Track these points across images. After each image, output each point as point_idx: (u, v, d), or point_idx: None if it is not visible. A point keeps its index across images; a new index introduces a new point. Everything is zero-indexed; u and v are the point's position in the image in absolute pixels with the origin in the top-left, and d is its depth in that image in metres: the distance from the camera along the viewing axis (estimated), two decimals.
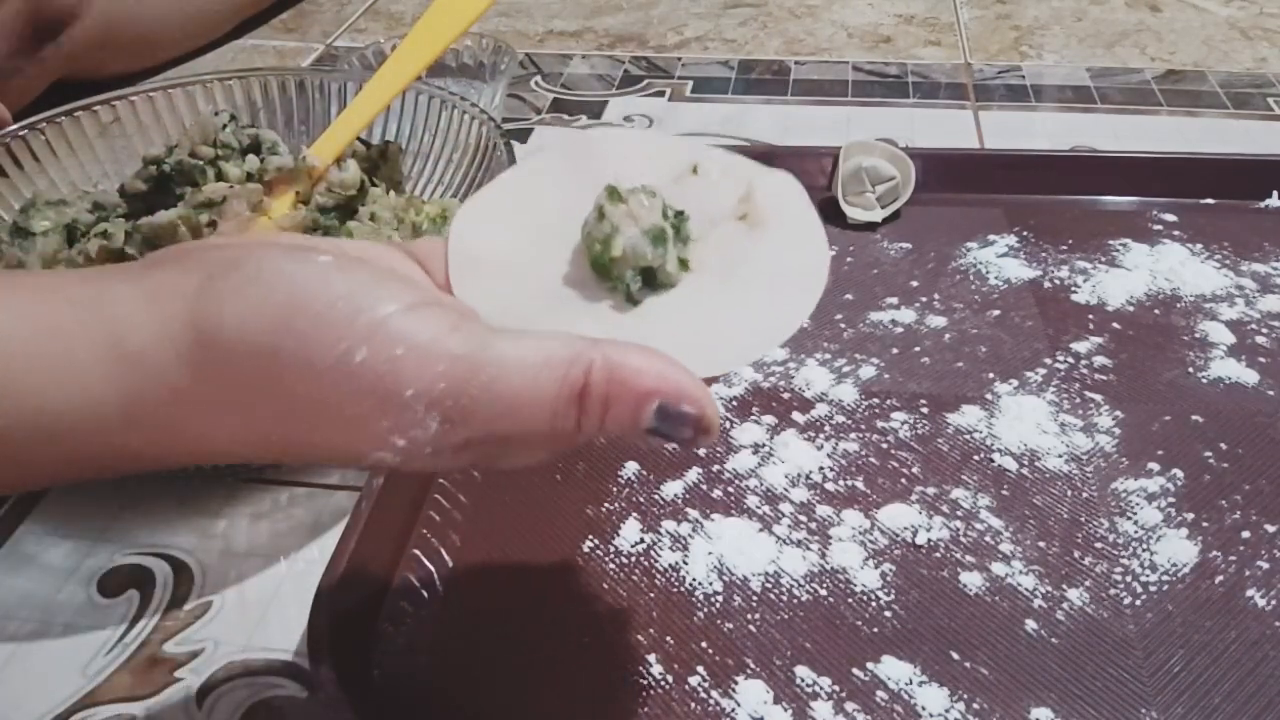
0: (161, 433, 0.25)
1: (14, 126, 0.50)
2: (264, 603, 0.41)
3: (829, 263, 0.30)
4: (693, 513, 0.42)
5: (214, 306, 0.24)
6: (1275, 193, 0.60)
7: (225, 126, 0.49)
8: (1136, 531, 0.41)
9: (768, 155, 0.64)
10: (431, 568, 0.40)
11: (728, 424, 0.46)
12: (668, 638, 0.37)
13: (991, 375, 0.48)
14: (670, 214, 0.29)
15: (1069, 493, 0.42)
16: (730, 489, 0.43)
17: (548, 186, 0.31)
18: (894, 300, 0.54)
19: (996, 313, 0.52)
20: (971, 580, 0.39)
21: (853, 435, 0.45)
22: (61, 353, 0.24)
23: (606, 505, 0.42)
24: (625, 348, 0.25)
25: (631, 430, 0.24)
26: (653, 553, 0.40)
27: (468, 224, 0.30)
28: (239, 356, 0.24)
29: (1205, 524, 0.41)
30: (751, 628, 0.37)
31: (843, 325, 0.52)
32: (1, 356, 0.24)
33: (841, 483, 0.43)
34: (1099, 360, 0.49)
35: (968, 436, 0.45)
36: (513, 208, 0.31)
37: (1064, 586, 0.38)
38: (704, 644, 0.37)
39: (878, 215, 0.59)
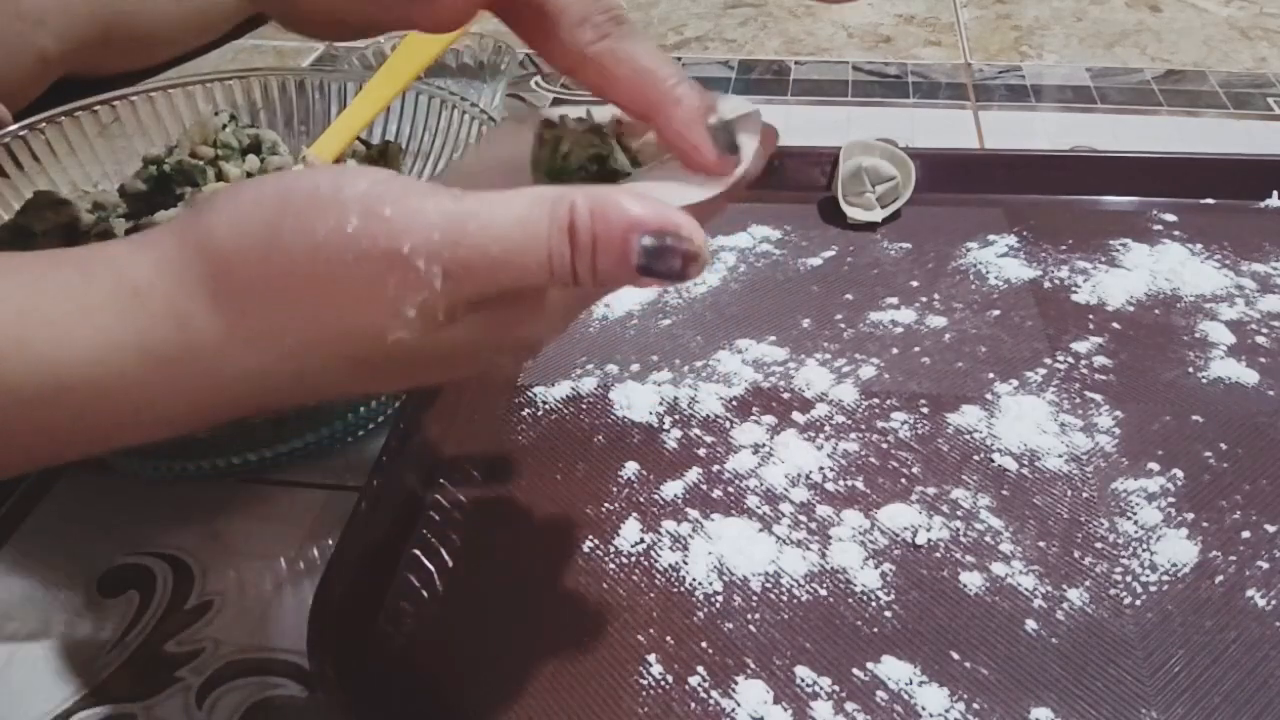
0: (183, 380, 0.25)
1: (14, 126, 0.50)
2: (264, 603, 0.41)
3: (760, 117, 0.31)
4: (693, 513, 0.42)
5: (205, 220, 0.25)
6: (1275, 193, 0.60)
7: (225, 126, 0.49)
8: (1136, 531, 0.41)
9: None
10: (431, 568, 0.40)
11: (728, 424, 0.46)
12: (668, 638, 0.37)
13: (991, 375, 0.48)
14: (604, 122, 0.31)
15: (1069, 493, 0.42)
16: (730, 489, 0.43)
17: (499, 147, 0.33)
18: (894, 300, 0.53)
19: (996, 313, 0.52)
20: (971, 580, 0.39)
21: (853, 435, 0.45)
22: (70, 300, 0.24)
23: (606, 505, 0.42)
24: (606, 189, 0.25)
25: (623, 267, 0.25)
26: (653, 553, 0.40)
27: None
28: (240, 257, 0.24)
29: (1205, 524, 0.41)
30: (751, 628, 0.37)
31: (843, 325, 0.52)
32: (10, 315, 0.24)
33: (841, 483, 0.43)
34: (1099, 360, 0.49)
35: (968, 436, 0.45)
36: (475, 169, 0.32)
37: (1064, 586, 0.38)
38: (704, 644, 0.37)
39: (878, 215, 0.59)
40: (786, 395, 0.48)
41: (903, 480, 0.43)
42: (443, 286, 0.24)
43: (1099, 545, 0.40)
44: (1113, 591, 0.38)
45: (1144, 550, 0.40)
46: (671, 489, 0.43)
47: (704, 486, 0.43)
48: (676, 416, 0.47)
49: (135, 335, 0.24)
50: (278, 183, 0.25)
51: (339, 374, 0.26)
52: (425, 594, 0.39)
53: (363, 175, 0.25)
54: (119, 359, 0.24)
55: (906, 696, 0.35)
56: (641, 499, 0.43)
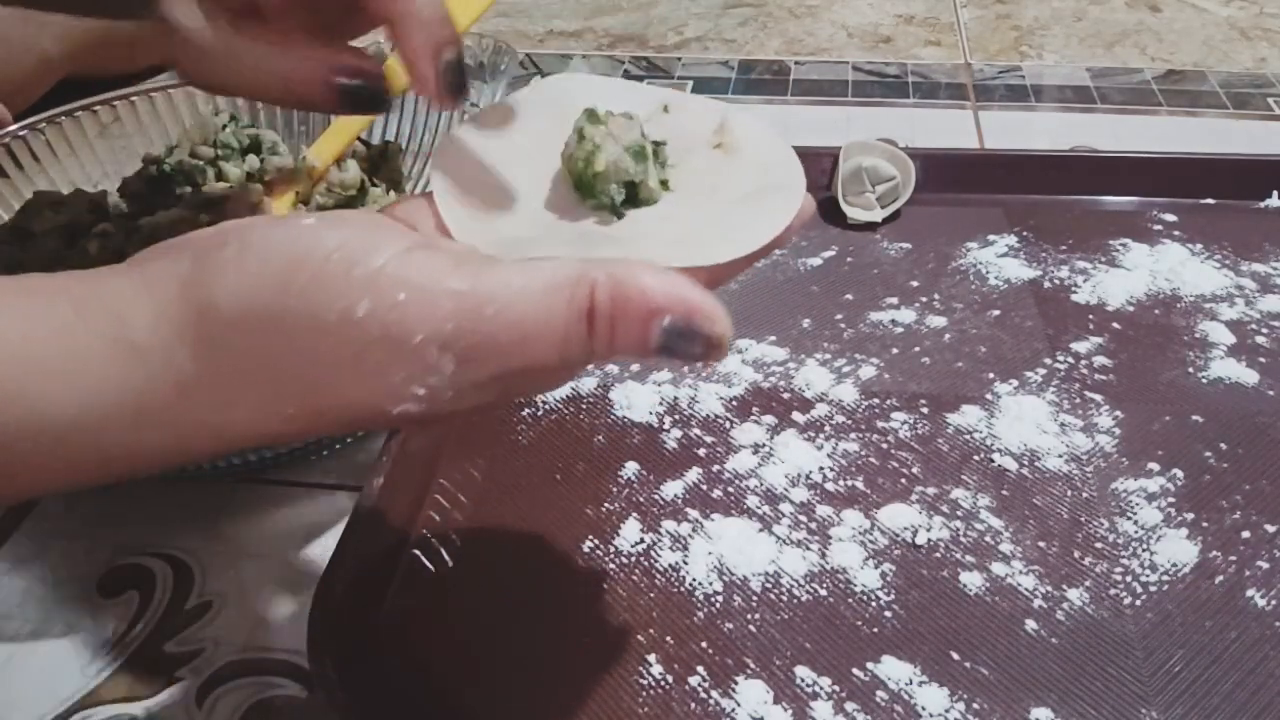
0: (173, 427, 0.25)
1: (14, 126, 0.50)
2: (264, 603, 0.41)
3: (804, 178, 0.30)
4: (693, 513, 0.42)
5: (209, 281, 0.24)
6: (1275, 193, 0.60)
7: (225, 126, 0.49)
8: (1136, 531, 0.41)
9: None
10: (431, 567, 0.40)
11: (728, 424, 0.46)
12: (668, 638, 0.37)
13: (991, 375, 0.48)
14: (647, 137, 0.30)
15: (1069, 493, 0.42)
16: (730, 489, 0.43)
17: (522, 122, 0.32)
18: (894, 300, 0.53)
19: (996, 313, 0.52)
20: (971, 580, 0.39)
21: (853, 435, 0.45)
22: (66, 350, 0.24)
23: (606, 505, 0.42)
24: (629, 265, 0.24)
25: (641, 348, 0.24)
26: (653, 553, 0.40)
27: (450, 161, 0.30)
28: (243, 328, 0.24)
29: (1205, 524, 0.41)
30: (751, 628, 0.37)
31: (843, 325, 0.52)
32: (3, 360, 0.24)
33: (841, 483, 0.43)
34: (1099, 360, 0.49)
35: (968, 436, 0.45)
36: (491, 145, 0.31)
37: (1064, 586, 0.38)
38: (704, 644, 0.37)
39: (878, 215, 0.59)
40: (786, 395, 0.48)
41: (903, 480, 0.43)
42: (453, 372, 0.23)
43: (1099, 545, 0.40)
44: (1113, 591, 0.38)
45: (1144, 550, 0.40)
46: (671, 489, 0.43)
47: (704, 486, 0.43)
48: (676, 416, 0.47)
49: (133, 393, 0.24)
50: (287, 243, 0.24)
51: (336, 429, 0.26)
52: (425, 593, 0.39)
53: (379, 244, 0.24)
54: (116, 413, 0.24)
55: (906, 696, 0.35)
56: (641, 499, 0.43)
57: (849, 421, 0.46)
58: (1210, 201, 0.60)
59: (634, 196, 0.30)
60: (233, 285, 0.24)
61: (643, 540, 0.41)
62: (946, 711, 0.34)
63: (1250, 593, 0.38)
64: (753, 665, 0.36)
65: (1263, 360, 0.49)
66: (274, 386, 0.24)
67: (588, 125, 0.30)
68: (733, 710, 0.35)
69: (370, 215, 0.28)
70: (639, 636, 0.37)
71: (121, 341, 0.24)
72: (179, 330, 0.24)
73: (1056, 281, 0.55)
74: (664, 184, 0.30)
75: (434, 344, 0.23)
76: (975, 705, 0.35)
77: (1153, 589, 0.38)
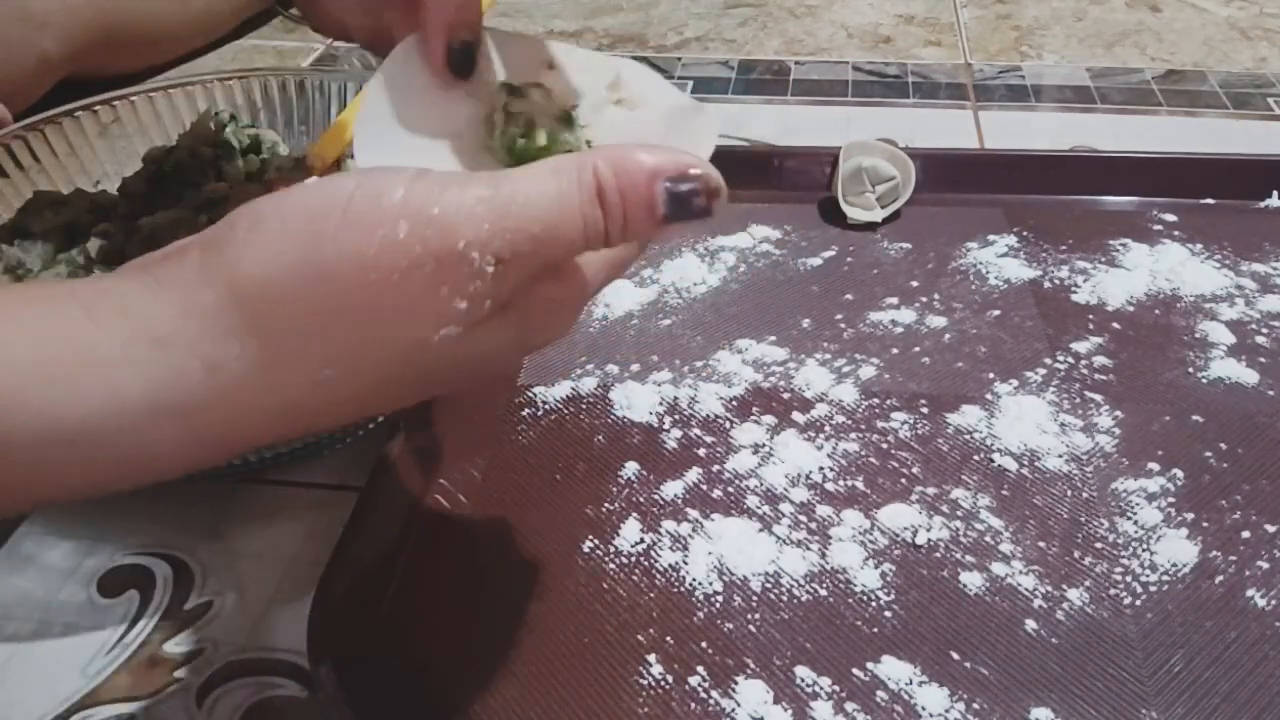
0: (201, 429, 0.24)
1: (14, 126, 0.50)
2: (264, 603, 0.41)
3: (709, 111, 0.31)
4: (693, 513, 0.42)
5: (232, 261, 0.24)
6: (1275, 193, 0.60)
7: (225, 126, 0.49)
8: (1136, 531, 0.41)
9: (767, 155, 0.65)
10: (431, 568, 0.40)
11: (728, 424, 0.46)
12: (668, 638, 0.37)
13: (991, 375, 0.48)
14: (565, 103, 0.32)
15: (1069, 493, 0.42)
16: (730, 489, 0.43)
17: (417, 96, 0.32)
18: (894, 300, 0.53)
19: (996, 313, 0.52)
20: (971, 580, 0.39)
21: (853, 435, 0.45)
22: (77, 351, 0.23)
23: (606, 505, 0.42)
24: (620, 146, 0.26)
25: (651, 214, 0.25)
26: (653, 553, 0.40)
27: (370, 153, 0.31)
28: (281, 290, 0.24)
29: (1205, 524, 0.41)
30: (751, 628, 0.37)
31: (843, 325, 0.52)
32: (11, 365, 0.23)
33: (841, 483, 0.43)
34: (1099, 360, 0.49)
35: (968, 436, 0.45)
36: (400, 126, 0.32)
37: (1064, 586, 0.38)
38: (704, 644, 0.37)
39: (878, 215, 0.59)
40: (786, 395, 0.48)
41: (903, 480, 0.43)
42: (494, 274, 0.24)
43: (1099, 545, 0.40)
44: (1113, 591, 0.38)
45: (1144, 550, 0.40)
46: (671, 489, 0.43)
47: (704, 486, 0.43)
48: (676, 416, 0.47)
49: (152, 389, 0.24)
50: (301, 202, 0.24)
51: (364, 397, 0.26)
52: (425, 594, 0.39)
53: (390, 179, 0.24)
54: (132, 413, 0.24)
55: (906, 696, 0.35)
56: (641, 499, 0.43)
57: (849, 421, 0.46)
58: (1210, 201, 0.60)
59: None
60: (259, 255, 0.24)
61: (643, 540, 0.41)
62: (946, 711, 0.34)
63: (1250, 593, 0.38)
64: (753, 665, 0.36)
65: (1263, 360, 0.49)
66: (312, 348, 0.24)
67: (512, 101, 0.30)
68: (733, 710, 0.35)
69: (356, 169, 0.29)
70: (639, 636, 0.37)
71: (139, 337, 0.24)
72: (208, 316, 0.24)
73: (1056, 281, 0.55)
74: (588, 143, 0.31)
75: (474, 248, 0.24)
76: (975, 705, 0.35)
77: (1153, 589, 0.38)
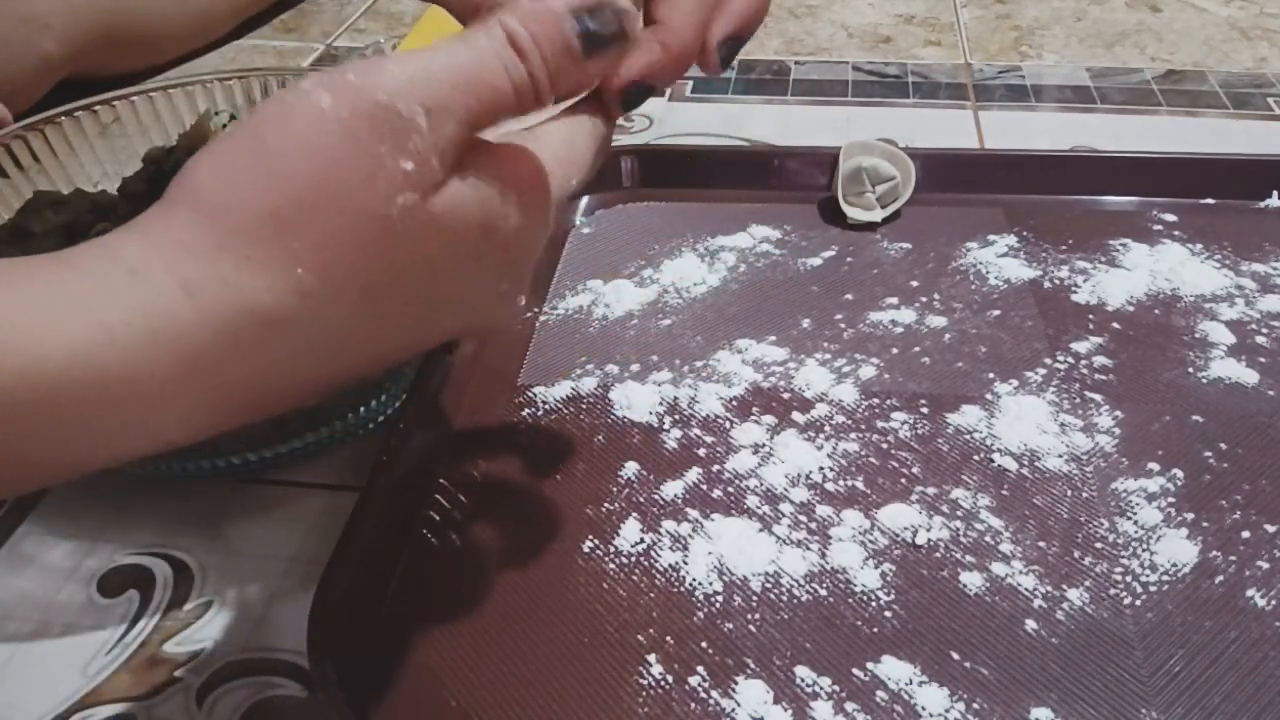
0: (190, 359, 0.23)
1: (14, 126, 0.50)
2: (264, 603, 0.41)
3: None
4: (693, 513, 0.42)
5: (185, 182, 0.25)
6: (1275, 193, 0.60)
7: (225, 126, 0.49)
8: (1136, 531, 0.41)
9: (767, 155, 0.65)
10: (431, 567, 0.40)
11: (728, 424, 0.46)
12: (668, 638, 0.37)
13: (991, 375, 0.48)
14: None
15: (1069, 493, 0.42)
16: (730, 489, 0.43)
17: None
18: (894, 300, 0.53)
19: (996, 313, 0.52)
20: (971, 580, 0.39)
21: (853, 435, 0.45)
22: (60, 288, 0.23)
23: (606, 505, 0.42)
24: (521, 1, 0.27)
25: (568, 53, 0.27)
26: (653, 553, 0.40)
27: None
28: (237, 192, 0.24)
29: (1205, 524, 0.41)
30: (751, 628, 0.37)
31: (843, 325, 0.52)
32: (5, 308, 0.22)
33: (841, 483, 0.43)
34: (1099, 360, 0.49)
35: (968, 436, 0.45)
36: None
37: (1064, 586, 0.38)
38: (704, 644, 0.37)
39: (878, 215, 0.59)
40: (786, 395, 0.48)
41: (903, 480, 0.43)
42: (428, 124, 0.25)
43: (1099, 545, 0.40)
44: (1113, 591, 0.38)
45: (1144, 550, 0.40)
46: (671, 489, 0.43)
47: (704, 486, 0.43)
48: (676, 416, 0.47)
49: (136, 317, 0.23)
50: (239, 123, 0.25)
51: (361, 315, 0.26)
52: (425, 594, 0.39)
53: (314, 75, 0.26)
54: (120, 345, 0.22)
55: (906, 696, 0.35)
56: (641, 499, 0.43)
57: (849, 421, 0.46)
58: (1210, 201, 0.60)
59: None
60: (208, 165, 0.25)
61: (643, 540, 0.41)
62: (946, 711, 0.34)
63: (1250, 593, 0.38)
64: (753, 665, 0.36)
65: (1263, 360, 0.49)
66: (287, 245, 0.24)
67: None
68: (733, 710, 0.35)
69: None
70: (639, 636, 0.37)
71: (115, 270, 0.23)
72: (174, 237, 0.24)
73: (1056, 281, 0.55)
74: None
75: (399, 99, 0.24)
76: (975, 705, 0.35)
77: (1153, 589, 0.38)
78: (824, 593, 0.39)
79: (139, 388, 0.23)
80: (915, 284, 0.55)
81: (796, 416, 0.46)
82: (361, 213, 0.25)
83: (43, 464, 0.24)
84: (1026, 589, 0.38)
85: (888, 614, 0.38)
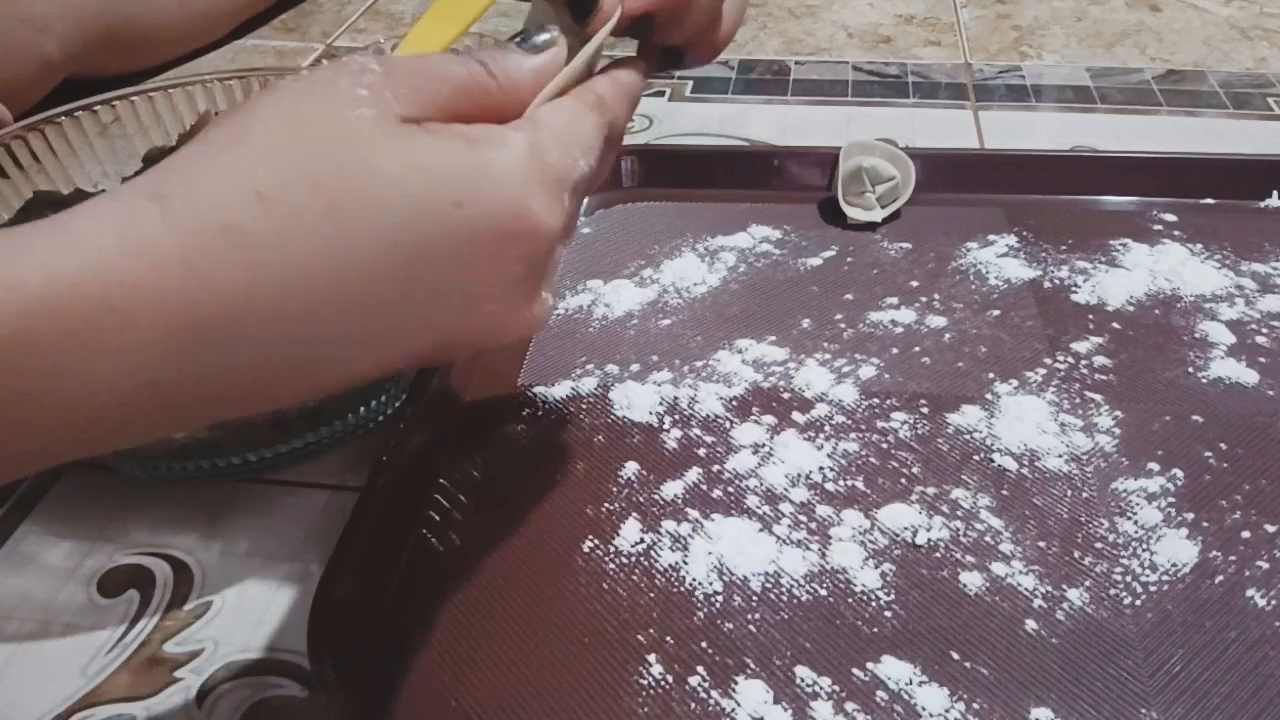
0: (153, 257, 0.23)
1: (14, 126, 0.50)
2: (264, 603, 0.41)
3: None
4: (693, 513, 0.42)
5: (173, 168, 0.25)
6: (1275, 193, 0.60)
7: None
8: (1136, 531, 0.41)
9: (767, 155, 0.65)
10: (431, 567, 0.40)
11: (728, 424, 0.46)
12: (668, 638, 0.37)
13: (991, 375, 0.48)
14: None
15: (1069, 493, 0.42)
16: (730, 489, 0.43)
17: None
18: (894, 300, 0.53)
19: (996, 313, 0.52)
20: (971, 580, 0.39)
21: (853, 435, 0.45)
22: (18, 238, 0.22)
23: (606, 505, 0.42)
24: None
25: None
26: (653, 553, 0.40)
27: None
28: (206, 137, 0.26)
29: (1205, 524, 0.41)
30: (751, 628, 0.37)
31: (843, 325, 0.52)
32: None
33: (841, 483, 0.43)
34: (1099, 360, 0.49)
35: (968, 436, 0.45)
36: None
37: (1064, 586, 0.38)
38: (704, 644, 0.37)
39: (878, 215, 0.59)
40: (786, 395, 0.48)
41: (903, 480, 0.43)
42: (382, 68, 0.27)
43: (1099, 545, 0.40)
44: (1113, 591, 0.38)
45: (1144, 550, 0.40)
46: (671, 489, 0.43)
47: (704, 486, 0.43)
48: (676, 416, 0.47)
49: (107, 229, 0.23)
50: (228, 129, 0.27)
51: (318, 224, 0.24)
52: (425, 593, 0.39)
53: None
54: (93, 262, 0.22)
55: (906, 696, 0.35)
56: (641, 499, 0.43)
57: (849, 421, 0.46)
58: (1210, 201, 0.60)
59: None
60: (207, 187, 0.25)
61: (643, 540, 0.41)
62: (946, 711, 0.34)
63: (1250, 593, 0.38)
64: (753, 665, 0.36)
65: (1263, 360, 0.49)
66: (236, 158, 0.25)
67: None
68: (733, 710, 0.35)
69: None
70: (639, 636, 0.37)
71: (91, 202, 0.24)
72: (127, 187, 0.24)
73: (1056, 281, 0.55)
74: None
75: (359, 59, 0.27)
76: (975, 705, 0.35)
77: (1153, 589, 0.38)
78: (824, 593, 0.39)
79: (112, 299, 0.22)
80: (915, 284, 0.55)
81: (796, 416, 0.46)
82: (319, 118, 0.26)
83: (26, 424, 0.22)
84: (1026, 589, 0.38)
85: (888, 614, 0.38)
